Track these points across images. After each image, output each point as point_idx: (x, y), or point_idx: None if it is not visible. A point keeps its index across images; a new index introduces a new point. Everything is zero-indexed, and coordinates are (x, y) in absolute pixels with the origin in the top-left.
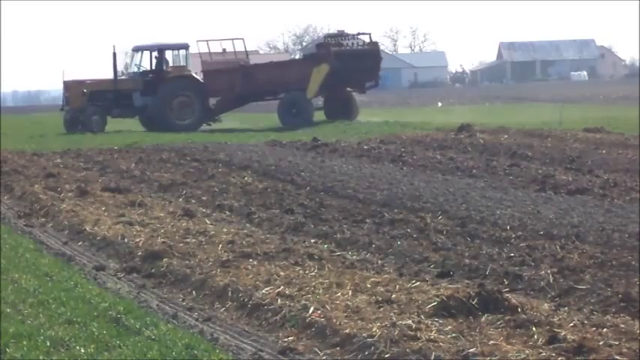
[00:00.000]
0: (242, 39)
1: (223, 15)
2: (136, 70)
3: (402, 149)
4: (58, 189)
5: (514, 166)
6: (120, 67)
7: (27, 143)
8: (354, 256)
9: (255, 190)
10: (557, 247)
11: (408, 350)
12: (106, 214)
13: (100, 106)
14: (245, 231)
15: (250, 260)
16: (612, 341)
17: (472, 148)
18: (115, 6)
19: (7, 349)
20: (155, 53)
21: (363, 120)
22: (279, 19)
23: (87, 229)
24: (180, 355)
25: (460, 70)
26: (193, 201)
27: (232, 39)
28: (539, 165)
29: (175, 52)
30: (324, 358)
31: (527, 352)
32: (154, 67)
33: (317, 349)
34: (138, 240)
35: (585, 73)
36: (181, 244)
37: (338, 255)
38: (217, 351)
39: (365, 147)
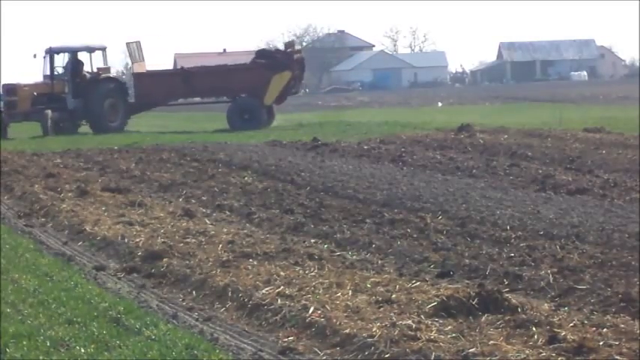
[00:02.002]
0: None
1: (223, 15)
2: (58, 72)
3: (402, 149)
4: (58, 189)
5: (514, 166)
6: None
7: (27, 144)
8: (354, 256)
9: (255, 190)
10: (557, 247)
11: (408, 350)
12: (106, 214)
13: (42, 109)
14: (245, 231)
15: (250, 260)
16: (612, 341)
17: (472, 148)
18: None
19: (7, 349)
20: (72, 55)
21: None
22: (279, 19)
23: (87, 229)
24: (181, 355)
25: (460, 70)
26: (193, 201)
27: None
28: (539, 165)
29: (95, 53)
30: (324, 358)
31: (527, 352)
32: (71, 69)
33: (317, 349)
34: (138, 240)
35: (585, 73)
36: (181, 244)
37: (338, 255)
38: (217, 351)
39: (365, 147)
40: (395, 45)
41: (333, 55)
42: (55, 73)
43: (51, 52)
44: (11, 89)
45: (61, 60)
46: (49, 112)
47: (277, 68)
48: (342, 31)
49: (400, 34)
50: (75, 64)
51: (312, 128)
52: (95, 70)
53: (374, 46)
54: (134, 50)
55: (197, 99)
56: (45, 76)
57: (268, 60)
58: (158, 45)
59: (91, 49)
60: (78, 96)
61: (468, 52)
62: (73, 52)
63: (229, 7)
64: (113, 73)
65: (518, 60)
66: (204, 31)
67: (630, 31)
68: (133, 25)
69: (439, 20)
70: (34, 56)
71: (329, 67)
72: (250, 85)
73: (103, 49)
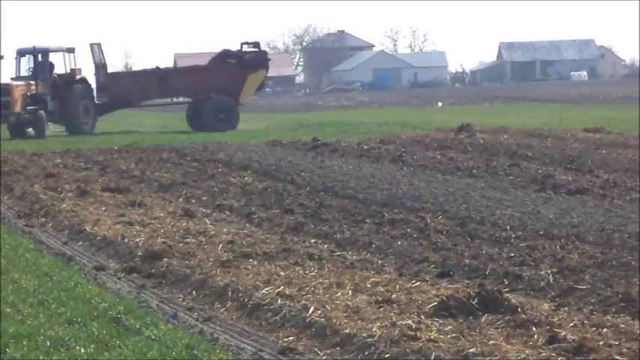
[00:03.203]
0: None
1: (224, 15)
2: (29, 73)
3: (402, 149)
4: (58, 189)
5: (514, 166)
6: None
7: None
8: (354, 256)
9: (255, 190)
10: (557, 247)
11: (408, 350)
12: (106, 214)
13: (34, 110)
14: (245, 231)
15: (250, 260)
16: (612, 341)
17: (472, 148)
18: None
19: (7, 349)
20: (40, 57)
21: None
22: (279, 19)
23: (87, 229)
24: (181, 355)
25: (460, 70)
26: (193, 201)
27: None
28: (539, 165)
29: (65, 54)
30: (324, 358)
31: (527, 352)
32: (37, 71)
33: (317, 349)
34: (138, 240)
35: (585, 73)
36: (181, 244)
37: (338, 255)
38: (217, 351)
39: (365, 147)
40: (395, 45)
41: (333, 55)
42: (27, 74)
43: (22, 53)
44: (5, 89)
45: (29, 61)
46: (43, 113)
47: (252, 67)
48: (342, 31)
49: (400, 34)
50: (49, 66)
51: (312, 128)
52: (69, 71)
53: (374, 46)
54: (97, 51)
55: (169, 100)
56: (18, 77)
57: (236, 60)
58: (158, 45)
59: (65, 50)
60: (54, 97)
61: (468, 52)
62: (46, 53)
63: (230, 6)
64: (84, 74)
65: (518, 60)
66: (204, 31)
67: (630, 31)
68: (133, 24)
69: (439, 20)
70: (1, 57)
71: (329, 67)
72: (225, 85)
73: (73, 51)
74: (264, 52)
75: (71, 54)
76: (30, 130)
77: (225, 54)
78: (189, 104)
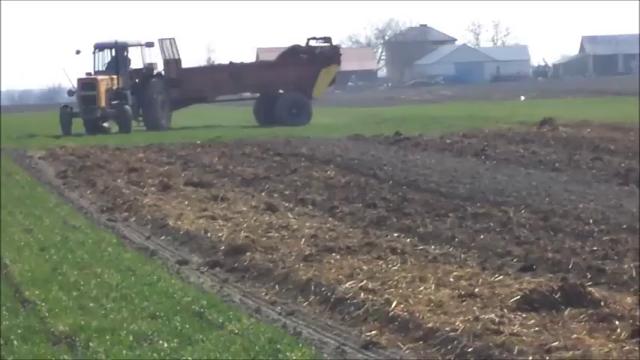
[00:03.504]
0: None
1: (306, 9)
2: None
3: (485, 143)
4: (141, 183)
5: (597, 159)
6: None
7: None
8: (437, 250)
9: (337, 184)
10: None
11: (490, 344)
12: (188, 208)
13: (120, 105)
14: (328, 225)
15: (333, 254)
16: None
17: (555, 142)
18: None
19: (91, 344)
20: (120, 51)
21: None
22: (361, 13)
23: (170, 223)
24: (263, 349)
25: (542, 63)
26: (276, 195)
27: None
28: (622, 158)
29: (142, 49)
30: (407, 352)
31: (610, 345)
32: (118, 65)
33: (400, 343)
34: (221, 234)
35: None
36: (264, 239)
37: (421, 249)
38: (300, 345)
39: (447, 141)
40: (477, 39)
41: (415, 49)
42: (102, 69)
43: (100, 48)
44: (90, 83)
45: (105, 56)
46: (128, 107)
47: (324, 62)
48: (424, 25)
49: (482, 28)
50: (127, 60)
51: (395, 122)
52: (146, 65)
53: (456, 39)
54: (168, 47)
55: (240, 95)
56: (97, 72)
57: (307, 55)
58: (240, 39)
59: (145, 45)
60: (133, 92)
61: (551, 45)
62: (126, 47)
63: (312, 2)
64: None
65: (601, 53)
66: (286, 25)
67: None
68: (216, 19)
69: (521, 14)
70: (77, 52)
71: (411, 61)
72: (298, 80)
73: (152, 45)
74: (337, 47)
75: (150, 48)
76: (105, 125)
77: (295, 49)
78: (258, 99)
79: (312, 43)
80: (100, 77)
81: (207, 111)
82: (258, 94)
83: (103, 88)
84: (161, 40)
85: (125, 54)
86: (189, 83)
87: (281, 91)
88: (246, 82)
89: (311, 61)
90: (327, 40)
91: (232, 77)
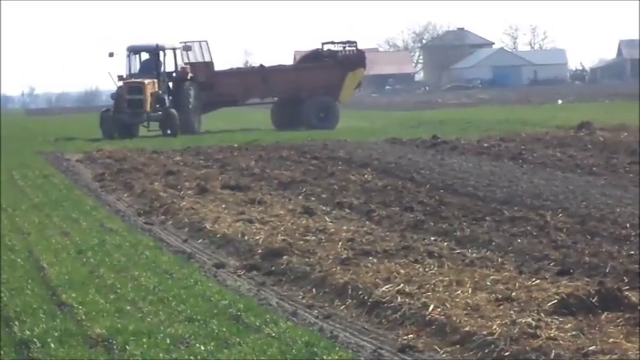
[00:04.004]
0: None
1: (344, 13)
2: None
3: (522, 147)
4: (178, 186)
5: (634, 163)
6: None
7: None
8: (474, 254)
9: (374, 187)
10: None
11: (527, 348)
12: (225, 211)
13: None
14: (365, 229)
15: (370, 258)
16: None
17: (592, 146)
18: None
19: (127, 347)
20: (159, 54)
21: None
22: (399, 17)
23: (207, 226)
24: (300, 352)
25: (580, 67)
26: (313, 199)
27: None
28: None
29: (177, 52)
30: (444, 355)
31: None
32: (158, 68)
33: (437, 347)
34: (258, 237)
35: None
36: (301, 242)
37: (458, 253)
38: (337, 349)
39: (485, 145)
40: (514, 42)
41: (452, 53)
42: (134, 72)
43: (135, 51)
44: (137, 87)
45: (138, 59)
46: (174, 111)
47: (351, 66)
48: (461, 29)
49: (520, 32)
50: (164, 64)
51: (432, 126)
52: (180, 68)
53: (493, 43)
54: (198, 50)
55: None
56: (134, 75)
57: (329, 59)
58: (277, 42)
59: (182, 48)
60: (170, 95)
61: (588, 49)
62: (163, 50)
63: (349, 5)
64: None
65: (639, 57)
66: (324, 29)
67: None
68: (254, 22)
69: (559, 17)
70: (111, 55)
71: (448, 65)
72: (325, 84)
73: (190, 49)
74: (362, 51)
75: (188, 52)
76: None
77: (316, 54)
78: (276, 103)
79: (335, 47)
80: (146, 81)
81: (224, 114)
82: (281, 98)
83: (149, 91)
84: (192, 43)
85: (163, 57)
86: (220, 87)
87: (311, 95)
88: (276, 85)
89: (337, 65)
90: (352, 44)
91: (263, 80)
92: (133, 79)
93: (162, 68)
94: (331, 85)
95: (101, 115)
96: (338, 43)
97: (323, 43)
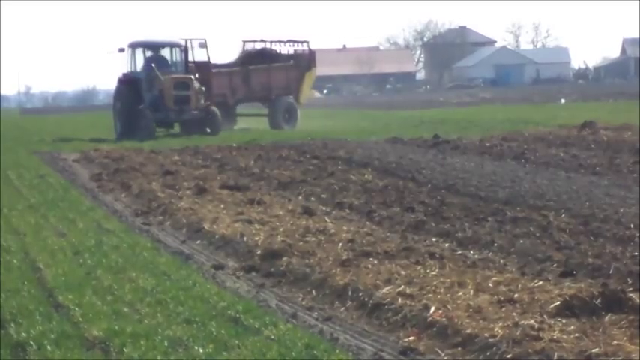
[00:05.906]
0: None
1: (343, 11)
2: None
3: (525, 146)
4: (176, 187)
5: (638, 163)
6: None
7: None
8: (476, 255)
9: (375, 188)
10: None
11: (530, 350)
12: (224, 212)
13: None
14: (365, 229)
15: (370, 259)
16: None
17: (595, 146)
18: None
19: (125, 349)
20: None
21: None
22: (400, 15)
23: (205, 227)
24: (300, 355)
25: (583, 66)
26: (313, 199)
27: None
28: None
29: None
30: (446, 358)
31: None
32: (184, 65)
33: (438, 349)
34: (257, 238)
35: None
36: (301, 243)
37: (459, 254)
38: (337, 351)
39: (487, 144)
40: (517, 41)
41: (454, 51)
42: (138, 70)
43: (151, 47)
44: (184, 82)
45: (140, 55)
46: (216, 109)
47: (307, 66)
48: (463, 27)
49: (522, 30)
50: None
51: (434, 125)
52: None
53: (495, 41)
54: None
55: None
56: (139, 71)
57: (269, 59)
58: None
59: (199, 45)
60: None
61: (591, 48)
62: (184, 47)
63: (349, 4)
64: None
65: None
66: (324, 27)
67: None
68: (255, 23)
69: (562, 16)
70: (121, 50)
71: (450, 64)
72: (287, 85)
73: (204, 46)
74: (313, 51)
75: (203, 49)
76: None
77: (263, 52)
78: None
79: (285, 46)
80: (192, 76)
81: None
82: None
83: (196, 87)
84: (189, 41)
85: (188, 53)
86: (215, 86)
87: (276, 95)
88: (255, 86)
89: (297, 66)
90: (304, 43)
91: (245, 81)
92: (179, 75)
93: (186, 65)
94: (293, 85)
95: (140, 111)
96: (287, 42)
97: (271, 42)
